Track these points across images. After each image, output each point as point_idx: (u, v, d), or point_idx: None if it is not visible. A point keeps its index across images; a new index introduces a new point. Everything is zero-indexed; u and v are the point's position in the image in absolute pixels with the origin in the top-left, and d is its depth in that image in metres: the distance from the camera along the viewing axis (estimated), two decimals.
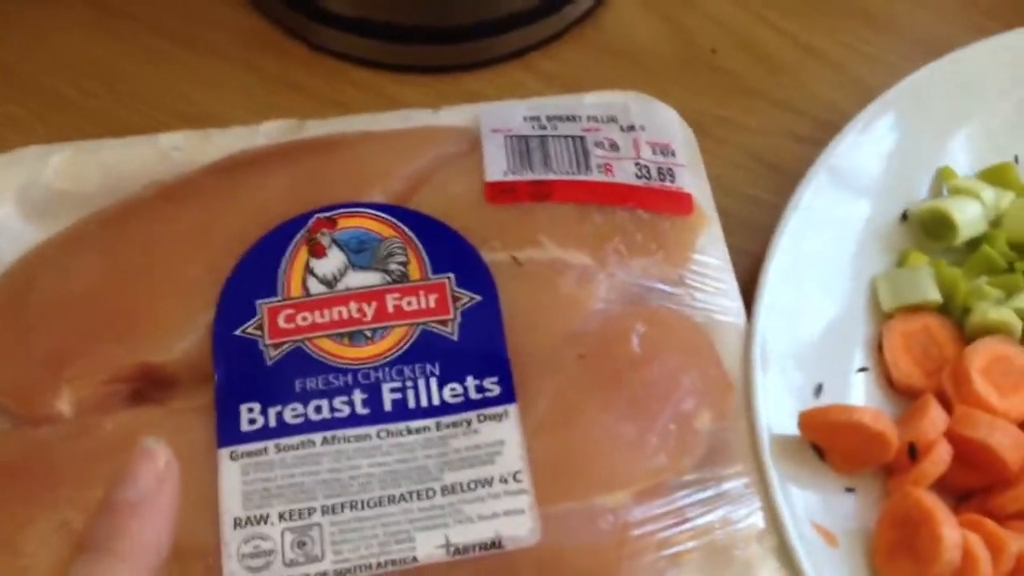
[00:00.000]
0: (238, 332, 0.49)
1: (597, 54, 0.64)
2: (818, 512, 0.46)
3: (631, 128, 0.56)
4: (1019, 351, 0.49)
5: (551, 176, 0.53)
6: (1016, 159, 0.56)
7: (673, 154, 0.55)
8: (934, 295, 0.51)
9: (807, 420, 0.47)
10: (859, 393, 0.50)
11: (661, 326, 0.50)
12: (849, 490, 0.47)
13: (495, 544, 0.44)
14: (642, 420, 0.47)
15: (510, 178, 0.53)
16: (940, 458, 0.46)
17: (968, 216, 0.53)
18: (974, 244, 0.53)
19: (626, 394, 0.47)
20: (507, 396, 0.47)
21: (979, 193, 0.53)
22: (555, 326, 0.49)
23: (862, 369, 0.51)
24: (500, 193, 0.53)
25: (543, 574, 0.44)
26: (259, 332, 0.49)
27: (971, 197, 0.53)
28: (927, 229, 0.54)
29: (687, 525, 0.46)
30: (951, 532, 0.43)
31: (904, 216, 0.55)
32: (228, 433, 0.46)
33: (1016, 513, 0.45)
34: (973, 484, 0.47)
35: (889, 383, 0.51)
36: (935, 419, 0.47)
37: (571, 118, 0.56)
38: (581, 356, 0.48)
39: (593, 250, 0.51)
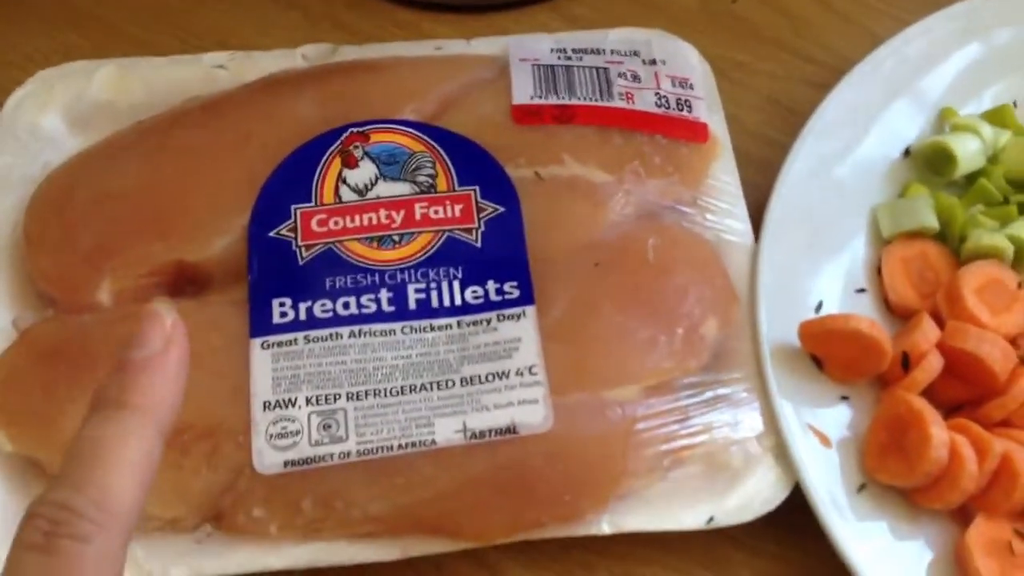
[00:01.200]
0: (272, 233, 0.51)
1: (622, 0, 0.67)
2: (813, 417, 0.49)
3: (652, 62, 0.58)
4: (1011, 275, 0.51)
5: (575, 101, 0.56)
6: (1015, 103, 0.58)
7: (692, 87, 0.58)
8: (932, 222, 0.53)
9: (807, 329, 0.49)
10: (858, 312, 0.52)
11: (673, 240, 0.52)
12: (844, 398, 0.50)
13: (510, 430, 0.46)
14: (652, 323, 0.49)
15: (536, 102, 0.56)
16: (931, 366, 0.48)
17: (968, 151, 0.55)
18: (972, 179, 0.55)
19: (638, 299, 0.50)
20: (526, 298, 0.49)
21: (979, 130, 0.55)
22: (573, 236, 0.52)
23: (861, 290, 0.53)
24: (526, 115, 0.55)
25: (554, 459, 0.46)
26: (292, 234, 0.51)
27: (971, 133, 0.55)
28: (928, 164, 0.56)
29: (691, 423, 0.48)
30: (939, 432, 0.46)
31: (907, 152, 0.57)
32: (260, 324, 0.49)
33: (1002, 420, 0.48)
34: (963, 397, 0.49)
35: (886, 304, 0.53)
36: (927, 332, 0.49)
37: (595, 51, 0.59)
38: (597, 264, 0.51)
39: (612, 169, 0.53)
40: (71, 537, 0.30)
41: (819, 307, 0.52)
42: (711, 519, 0.47)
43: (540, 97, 0.56)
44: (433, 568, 0.48)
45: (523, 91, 0.56)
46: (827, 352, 0.50)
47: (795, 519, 0.47)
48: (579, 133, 0.54)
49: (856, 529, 0.46)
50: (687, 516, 0.47)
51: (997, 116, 0.57)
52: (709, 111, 0.57)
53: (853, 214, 0.55)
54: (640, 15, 0.66)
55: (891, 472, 0.47)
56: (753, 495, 0.47)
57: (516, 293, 0.50)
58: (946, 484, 0.46)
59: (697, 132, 0.56)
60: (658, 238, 0.52)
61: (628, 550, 0.49)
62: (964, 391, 0.49)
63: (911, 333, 0.49)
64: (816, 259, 0.53)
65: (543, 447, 0.46)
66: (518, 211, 0.52)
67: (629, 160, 0.54)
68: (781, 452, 0.48)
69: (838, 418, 0.49)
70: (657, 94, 0.57)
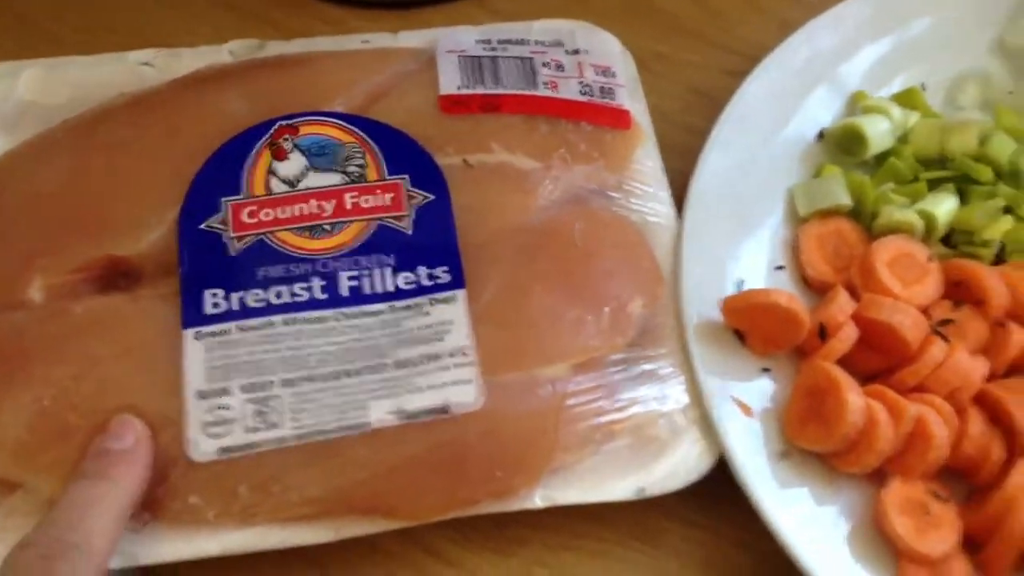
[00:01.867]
0: (203, 226, 0.51)
1: None
2: (736, 389, 0.50)
3: (576, 52, 0.60)
4: (921, 248, 0.53)
5: (501, 91, 0.57)
6: (923, 86, 0.60)
7: (614, 75, 0.59)
8: (845, 200, 0.55)
9: (728, 305, 0.51)
10: (777, 288, 0.54)
11: (600, 223, 0.53)
12: (766, 371, 0.51)
13: (443, 410, 0.47)
14: (580, 303, 0.50)
15: (463, 92, 0.56)
16: (847, 336, 0.50)
17: (878, 131, 0.57)
18: (883, 158, 0.58)
19: (566, 281, 0.51)
20: (457, 283, 0.50)
21: (889, 111, 0.57)
22: (502, 222, 0.53)
23: (780, 267, 0.55)
24: (453, 104, 0.56)
25: (486, 436, 0.47)
26: (223, 226, 0.51)
27: (881, 115, 0.57)
28: (842, 145, 0.58)
29: (619, 398, 0.49)
30: (855, 397, 0.47)
31: (821, 135, 0.59)
32: (192, 315, 0.49)
33: (916, 386, 0.49)
34: (879, 366, 0.51)
35: (804, 280, 0.55)
36: (843, 304, 0.51)
37: (520, 41, 0.60)
38: (525, 248, 0.52)
39: (539, 156, 0.55)
40: (64, 561, 0.40)
41: (740, 284, 0.53)
42: (641, 490, 0.48)
43: (467, 87, 0.57)
44: (368, 548, 0.49)
45: (450, 81, 0.57)
46: (748, 326, 0.51)
47: (724, 489, 0.49)
48: (506, 122, 0.55)
49: (779, 495, 0.48)
50: (617, 488, 0.48)
51: (906, 98, 0.60)
52: (631, 99, 0.58)
53: (771, 195, 0.57)
54: (563, 8, 0.67)
55: (811, 439, 0.48)
56: (680, 466, 0.49)
57: (447, 278, 0.50)
58: (863, 448, 0.47)
59: (620, 119, 0.57)
60: (585, 222, 0.53)
61: (562, 523, 0.50)
62: (880, 360, 0.51)
63: (828, 306, 0.51)
64: (737, 239, 0.55)
65: (476, 426, 0.47)
66: (447, 198, 0.53)
67: (555, 147, 0.55)
68: (706, 424, 0.49)
69: (760, 389, 0.51)
70: (581, 82, 0.58)
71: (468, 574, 0.49)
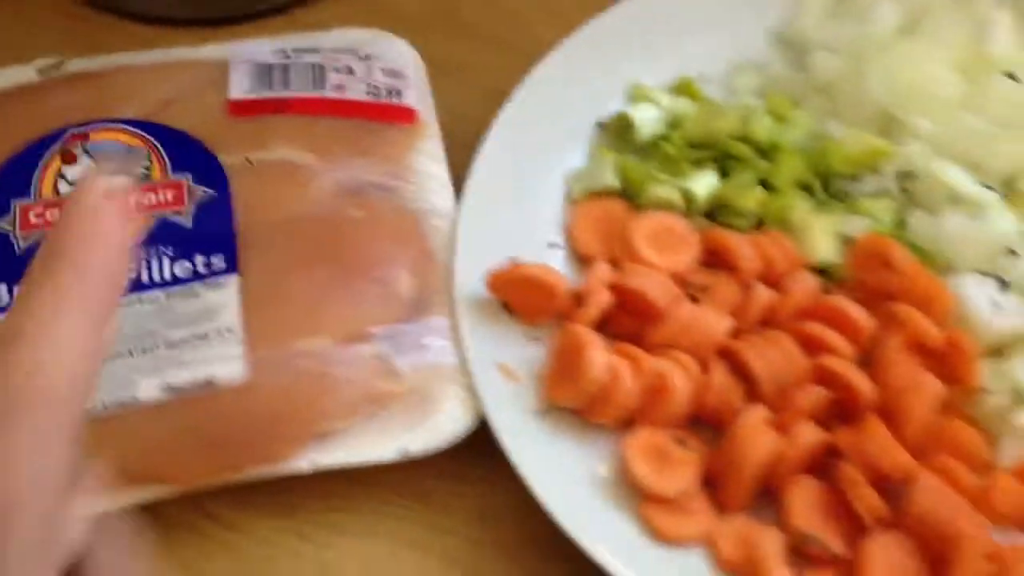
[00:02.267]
0: None
1: (354, 10, 0.72)
2: (505, 357, 0.53)
3: (367, 57, 0.63)
4: (680, 222, 0.57)
5: (289, 94, 0.60)
6: (701, 75, 0.64)
7: (403, 77, 0.63)
8: (612, 181, 0.58)
9: (493, 279, 0.54)
10: (551, 265, 0.57)
11: (375, 212, 0.56)
12: (534, 339, 0.54)
13: (208, 383, 0.50)
14: (345, 282, 0.53)
15: (251, 96, 0.60)
16: (598, 301, 0.53)
17: (646, 118, 0.60)
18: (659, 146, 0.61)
19: (333, 262, 0.54)
20: (230, 269, 0.53)
21: (657, 99, 0.61)
22: (280, 212, 0.56)
23: (553, 245, 0.58)
24: (241, 108, 0.59)
25: (250, 406, 0.50)
26: (10, 227, 0.54)
27: (650, 103, 0.61)
28: (619, 133, 0.62)
29: (387, 368, 0.52)
30: (598, 354, 0.50)
31: (599, 125, 0.63)
32: None
33: (662, 343, 0.53)
34: (635, 330, 0.54)
35: (577, 257, 0.58)
36: (599, 273, 0.54)
37: (314, 50, 0.63)
38: (298, 235, 0.55)
39: (318, 151, 0.58)
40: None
41: (513, 262, 0.57)
42: (404, 451, 0.50)
43: (256, 92, 0.60)
44: (152, 516, 0.50)
45: (239, 87, 0.60)
46: (513, 298, 0.54)
47: (493, 448, 0.51)
48: (289, 122, 0.59)
49: (536, 452, 0.50)
50: (382, 450, 0.50)
51: (682, 87, 0.63)
52: (419, 98, 0.62)
53: (550, 181, 0.60)
54: (367, 20, 0.70)
55: (563, 396, 0.51)
56: (444, 428, 0.51)
57: (222, 265, 0.53)
58: (608, 401, 0.50)
59: (404, 115, 0.61)
60: (359, 210, 0.56)
61: (335, 488, 0.52)
62: (635, 324, 0.54)
63: (586, 276, 0.54)
64: (513, 221, 0.58)
65: (240, 397, 0.50)
66: (228, 193, 0.56)
67: (336, 143, 0.58)
68: (471, 389, 0.52)
69: (526, 356, 0.54)
70: (368, 84, 0.61)
71: (246, 536, 0.52)
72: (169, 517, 0.51)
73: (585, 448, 0.51)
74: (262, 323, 0.51)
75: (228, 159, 0.57)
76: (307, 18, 0.71)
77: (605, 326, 0.54)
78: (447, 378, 0.52)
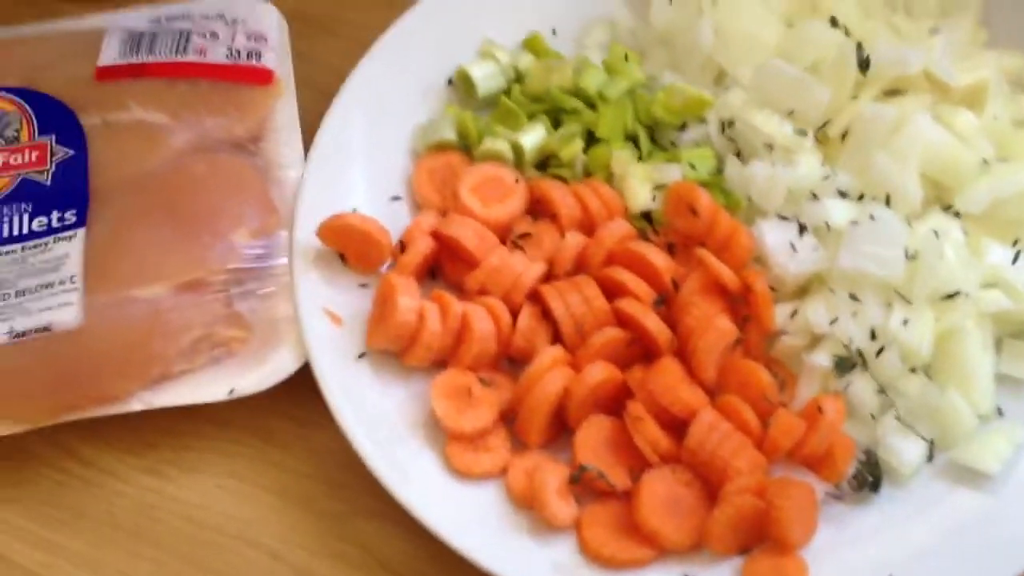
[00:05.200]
0: None
1: None
2: (335, 303, 0.55)
3: (233, 22, 0.65)
4: (510, 173, 0.58)
5: (152, 59, 0.62)
6: (554, 31, 0.65)
7: (265, 40, 0.64)
8: (450, 135, 0.60)
9: (322, 228, 0.56)
10: (391, 217, 0.59)
11: (221, 168, 0.58)
12: (363, 286, 0.56)
13: (46, 328, 0.53)
14: (187, 234, 0.56)
15: (117, 62, 0.62)
16: (418, 248, 0.55)
17: (484, 74, 0.61)
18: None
19: (173, 215, 0.56)
20: (80, 223, 0.56)
21: (495, 55, 0.62)
22: (131, 169, 0.58)
23: (395, 198, 0.60)
24: (106, 74, 0.62)
25: (86, 349, 0.52)
26: None
27: (489, 59, 0.62)
28: (465, 89, 0.63)
29: (224, 313, 0.55)
30: (405, 299, 0.52)
31: (450, 82, 0.64)
32: None
33: (477, 289, 0.54)
34: (463, 275, 0.56)
35: (418, 208, 0.60)
36: (422, 222, 0.56)
37: (185, 16, 0.65)
38: (145, 189, 0.57)
39: (173, 111, 0.60)
40: None
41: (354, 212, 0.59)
42: (232, 391, 0.53)
43: (122, 58, 0.62)
44: (13, 449, 0.54)
45: (108, 54, 0.62)
46: (344, 247, 0.56)
47: None
48: (148, 85, 0.61)
49: (353, 393, 0.52)
50: (212, 390, 0.53)
51: (532, 44, 0.64)
52: (278, 60, 0.64)
53: (398, 136, 0.62)
54: None
55: (378, 339, 0.53)
56: (275, 370, 0.54)
57: (73, 219, 0.56)
58: (417, 343, 0.52)
59: (261, 76, 0.62)
60: (207, 167, 0.58)
61: (186, 427, 0.55)
62: (461, 270, 0.56)
63: (410, 225, 0.56)
64: (360, 175, 0.60)
65: (76, 341, 0.53)
66: (85, 153, 0.58)
67: (191, 104, 0.60)
68: (299, 333, 0.55)
69: (357, 302, 0.56)
70: (230, 48, 0.63)
71: (102, 471, 0.55)
72: (27, 451, 0.55)
73: (401, 390, 0.53)
74: (102, 272, 0.54)
75: (88, 121, 0.59)
76: None
77: (440, 275, 0.57)
78: (284, 324, 0.55)
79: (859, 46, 0.56)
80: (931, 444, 0.49)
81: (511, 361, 0.54)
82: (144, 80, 0.61)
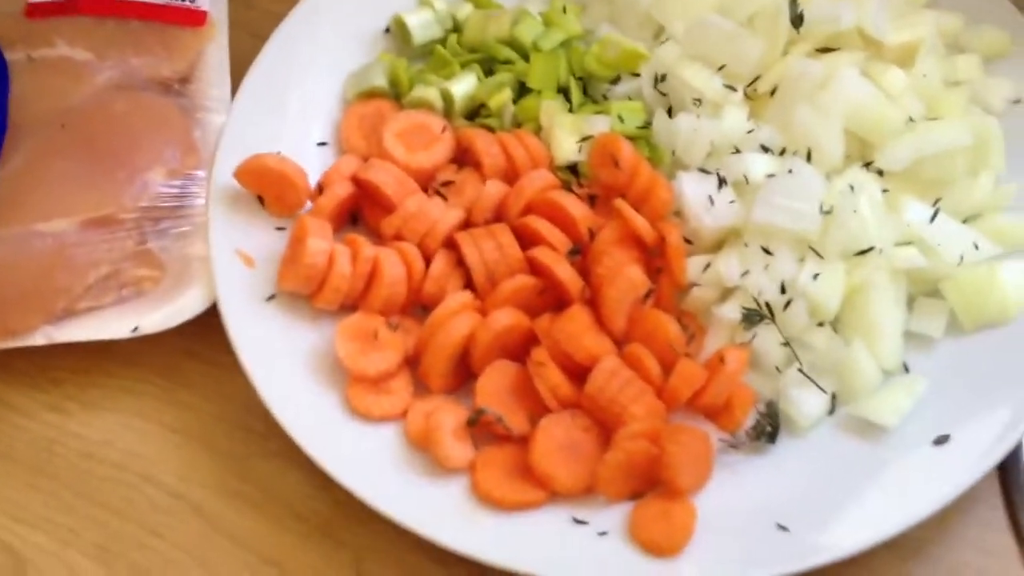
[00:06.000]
0: None
1: None
2: (249, 245, 0.54)
3: None
4: (437, 121, 0.57)
5: None
6: None
7: None
8: (381, 82, 0.59)
9: (239, 169, 0.55)
10: (316, 162, 0.58)
11: (139, 105, 0.58)
12: (280, 229, 0.55)
13: None
14: (97, 170, 0.55)
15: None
16: (335, 192, 0.54)
17: (420, 22, 0.60)
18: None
19: (88, 150, 0.55)
20: None
21: (433, 3, 0.61)
22: (50, 105, 0.57)
23: (321, 143, 0.59)
24: (36, 10, 0.61)
25: None
26: None
27: (426, 7, 0.61)
28: (402, 37, 0.62)
29: (134, 251, 0.54)
30: (316, 241, 0.51)
31: (387, 30, 0.63)
32: None
33: (394, 235, 0.54)
34: (380, 222, 0.55)
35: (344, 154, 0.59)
36: (342, 166, 0.55)
37: None
38: (63, 125, 0.56)
39: (98, 49, 0.59)
40: None
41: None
42: (136, 328, 0.53)
43: None
44: None
45: None
46: (261, 189, 0.55)
47: None
48: (76, 22, 0.60)
49: (258, 335, 0.52)
50: (117, 327, 0.53)
51: None
52: (213, 2, 0.63)
53: (330, 82, 0.61)
54: None
55: (289, 280, 0.52)
56: (183, 310, 0.53)
57: None
58: (327, 285, 0.52)
59: (194, 18, 0.61)
60: (128, 105, 0.57)
61: (94, 364, 0.54)
62: (383, 216, 0.54)
63: (328, 169, 0.56)
64: (285, 120, 0.59)
65: None
66: (7, 88, 0.58)
67: (118, 42, 0.60)
68: (209, 274, 0.54)
69: (273, 245, 0.55)
70: None
71: (4, 405, 0.54)
72: None
73: (311, 333, 0.52)
74: (11, 205, 0.53)
75: (12, 56, 0.59)
76: None
77: (361, 222, 0.56)
78: (197, 264, 0.54)
79: (793, 1, 0.55)
80: (833, 397, 0.48)
81: (425, 309, 0.53)
82: (72, 18, 0.61)
